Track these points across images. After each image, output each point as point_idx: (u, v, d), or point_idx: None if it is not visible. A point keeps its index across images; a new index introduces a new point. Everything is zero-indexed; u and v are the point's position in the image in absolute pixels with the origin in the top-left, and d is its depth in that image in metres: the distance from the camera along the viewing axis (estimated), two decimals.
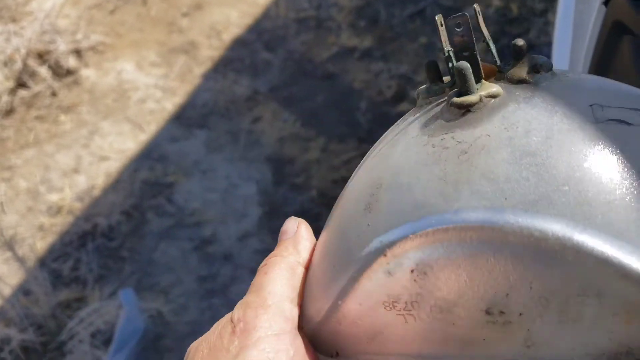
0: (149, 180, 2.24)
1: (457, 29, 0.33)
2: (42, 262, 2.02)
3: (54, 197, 2.19)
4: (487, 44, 0.35)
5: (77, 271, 1.98)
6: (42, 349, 1.82)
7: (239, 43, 2.72)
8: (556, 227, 0.29)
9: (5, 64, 2.63)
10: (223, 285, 1.92)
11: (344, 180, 2.26)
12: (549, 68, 0.34)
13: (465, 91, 0.33)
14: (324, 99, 2.45)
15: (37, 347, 1.82)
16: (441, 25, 0.35)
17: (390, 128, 0.39)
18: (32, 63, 2.65)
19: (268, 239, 2.03)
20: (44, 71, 2.61)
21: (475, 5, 0.36)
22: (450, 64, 0.34)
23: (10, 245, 1.78)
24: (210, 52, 2.72)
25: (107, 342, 1.77)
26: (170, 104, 2.53)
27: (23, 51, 2.64)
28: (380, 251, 0.34)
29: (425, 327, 0.34)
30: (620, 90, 0.35)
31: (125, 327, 1.44)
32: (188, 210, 2.14)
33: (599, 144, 0.31)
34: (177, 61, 2.68)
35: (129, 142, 2.40)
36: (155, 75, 2.64)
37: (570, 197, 0.29)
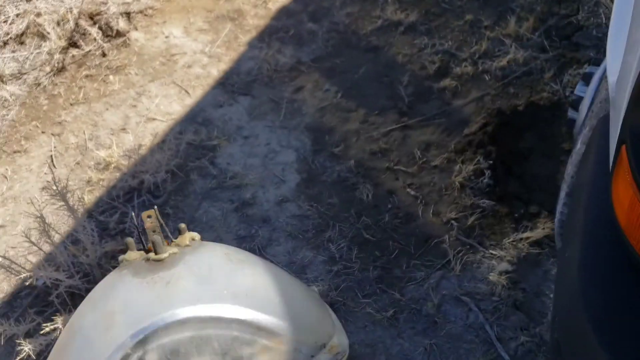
0: (193, 142, 2.31)
1: (148, 218, 0.75)
2: (90, 214, 2.11)
3: (102, 153, 2.27)
4: (162, 226, 0.87)
5: (123, 224, 2.07)
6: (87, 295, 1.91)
7: (285, 13, 2.74)
8: (223, 309, 0.73)
9: (58, 23, 2.71)
10: (260, 246, 1.98)
11: (382, 152, 2.29)
12: (200, 238, 0.85)
13: (158, 252, 0.75)
14: (367, 71, 2.47)
15: (83, 294, 1.91)
16: (137, 216, 0.72)
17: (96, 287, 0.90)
18: (84, 23, 2.72)
19: (305, 205, 2.08)
20: (94, 32, 2.69)
21: (155, 207, 0.88)
22: (144, 239, 0.81)
23: (62, 195, 1.86)
24: (256, 20, 2.76)
25: None
26: (216, 70, 2.58)
27: (75, 11, 2.71)
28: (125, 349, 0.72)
29: None
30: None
31: None
32: (230, 173, 2.21)
33: (236, 265, 0.88)
34: (224, 28, 2.72)
35: (175, 105, 2.47)
36: (202, 41, 2.69)
37: (226, 294, 0.77)
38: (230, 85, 2.51)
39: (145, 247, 1.09)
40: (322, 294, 1.84)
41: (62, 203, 1.98)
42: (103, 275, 1.94)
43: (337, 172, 2.16)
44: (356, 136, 2.25)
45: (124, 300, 0.52)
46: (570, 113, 1.56)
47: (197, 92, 2.51)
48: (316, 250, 1.97)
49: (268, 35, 2.66)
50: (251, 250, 1.98)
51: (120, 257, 0.54)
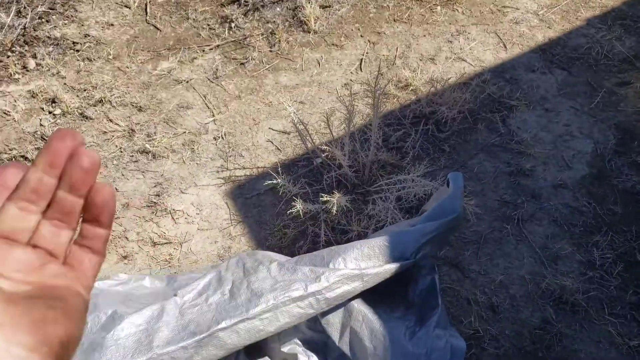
0: (493, 95, 2.29)
1: None
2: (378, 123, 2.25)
3: (406, 73, 2.38)
4: None
5: (403, 142, 2.17)
6: (350, 188, 2.09)
7: None
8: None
9: None
10: (521, 218, 1.94)
11: None
12: None
13: None
14: None
15: (348, 185, 2.09)
16: None
17: None
18: None
19: (583, 200, 1.96)
20: None
21: None
22: None
23: (376, 96, 2.00)
24: (604, 0, 2.56)
25: (407, 211, 1.96)
26: (542, 35, 2.49)
27: None
28: None
29: None
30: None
31: (445, 203, 1.54)
32: (517, 137, 2.16)
33: None
34: None
35: (488, 54, 2.46)
36: (539, 3, 2.60)
37: None
38: (551, 54, 2.41)
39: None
40: (567, 291, 1.75)
41: (361, 100, 2.14)
42: (370, 177, 2.10)
43: (633, 183, 1.98)
44: None
45: None
46: None
47: (514, 50, 2.45)
48: (577, 247, 1.86)
49: (613, 18, 2.46)
50: (509, 219, 1.95)
51: None
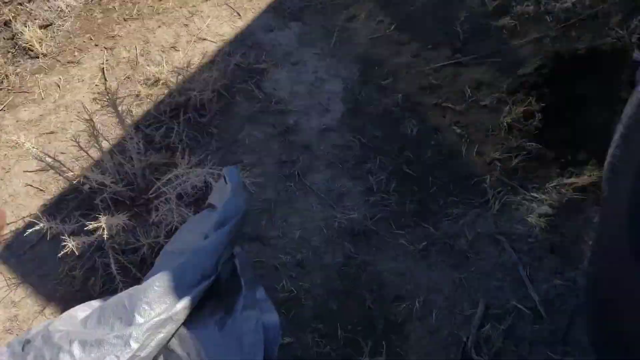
0: (241, 65, 2.30)
1: None
2: (137, 127, 2.16)
3: (152, 69, 2.30)
4: None
5: (168, 139, 2.11)
6: (129, 203, 1.98)
7: None
8: None
9: None
10: (300, 172, 2.00)
11: (431, 87, 2.23)
12: None
13: None
14: (422, 4, 2.39)
15: (126, 201, 1.98)
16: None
17: None
18: None
19: (348, 135, 2.07)
20: None
21: None
22: None
23: (113, 103, 1.89)
24: None
25: (192, 204, 1.91)
26: None
27: None
28: None
29: None
30: None
31: (229, 204, 1.51)
32: (275, 98, 2.21)
33: None
34: None
35: (226, 26, 2.45)
36: None
37: None
38: (282, 10, 2.48)
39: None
40: (357, 223, 1.86)
41: (113, 112, 2.02)
42: (146, 185, 2.01)
43: (384, 105, 2.13)
44: (406, 70, 2.20)
45: None
46: (636, 54, 1.48)
47: (248, 15, 2.48)
48: (355, 180, 1.97)
49: None
50: (291, 176, 2.00)
51: None
